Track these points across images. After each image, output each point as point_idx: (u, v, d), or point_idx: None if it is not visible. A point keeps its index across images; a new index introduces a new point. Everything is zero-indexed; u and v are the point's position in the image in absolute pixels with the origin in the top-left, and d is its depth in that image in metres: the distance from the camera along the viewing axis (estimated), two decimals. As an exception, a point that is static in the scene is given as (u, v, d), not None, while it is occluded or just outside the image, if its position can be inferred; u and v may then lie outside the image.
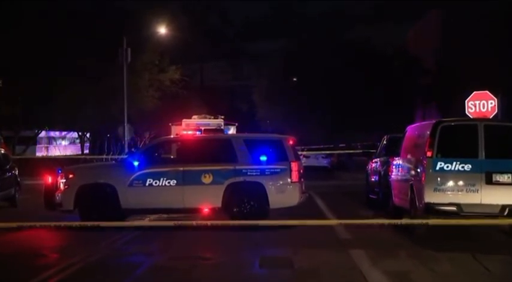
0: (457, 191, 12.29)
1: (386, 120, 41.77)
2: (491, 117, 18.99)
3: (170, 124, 33.71)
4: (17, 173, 20.24)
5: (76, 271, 9.99)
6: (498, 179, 12.20)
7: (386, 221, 9.55)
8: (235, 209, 14.19)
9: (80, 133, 50.71)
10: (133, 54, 33.74)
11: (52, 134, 55.70)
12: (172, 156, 16.31)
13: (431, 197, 12.35)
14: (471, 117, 18.92)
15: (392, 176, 15.63)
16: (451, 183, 12.31)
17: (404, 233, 12.73)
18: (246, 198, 14.28)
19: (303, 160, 25.49)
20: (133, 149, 32.31)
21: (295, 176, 14.32)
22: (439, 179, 12.35)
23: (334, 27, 58.53)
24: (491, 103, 19.91)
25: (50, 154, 52.28)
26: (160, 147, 16.14)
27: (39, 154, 49.62)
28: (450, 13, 49.00)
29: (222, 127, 31.97)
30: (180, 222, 10.48)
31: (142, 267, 10.36)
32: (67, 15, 35.86)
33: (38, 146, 51.50)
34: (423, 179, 12.52)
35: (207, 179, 14.28)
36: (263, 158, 14.29)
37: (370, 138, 43.70)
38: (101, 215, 13.52)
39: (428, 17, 54.54)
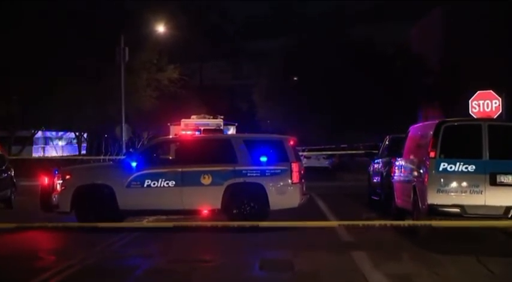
0: (460, 192, 12.16)
1: (387, 120, 41.68)
2: (495, 117, 18.80)
3: (169, 124, 33.65)
4: (13, 174, 20.06)
5: (73, 274, 9.87)
6: (502, 180, 12.07)
7: (388, 222, 9.37)
8: (235, 211, 14.04)
9: (77, 133, 50.57)
10: (131, 53, 33.66)
11: (49, 134, 55.61)
12: (171, 157, 16.20)
13: (434, 198, 12.22)
14: (475, 117, 18.78)
15: (395, 177, 15.52)
16: (454, 184, 12.19)
17: (407, 235, 12.59)
18: (246, 200, 14.13)
19: (304, 161, 25.36)
20: (131, 150, 32.17)
21: (296, 177, 14.17)
22: (442, 180, 12.23)
23: (334, 27, 58.33)
24: (496, 103, 19.74)
25: (46, 154, 52.13)
26: (159, 148, 16.03)
27: (35, 155, 49.47)
28: (451, 12, 49.03)
29: (222, 127, 31.94)
30: (179, 223, 10.28)
31: (141, 269, 10.23)
32: (67, 15, 35.88)
33: (34, 146, 51.36)
34: (426, 180, 12.40)
35: (206, 180, 14.13)
36: (263, 159, 14.15)
37: (371, 139, 43.57)
38: (99, 216, 13.37)
39: (430, 16, 54.55)
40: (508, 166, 12.13)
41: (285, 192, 14.15)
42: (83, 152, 50.39)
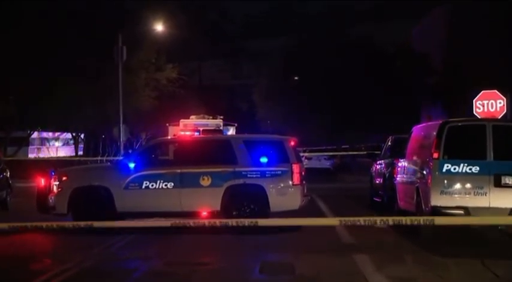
0: (464, 193, 12.03)
1: (387, 121, 41.58)
2: (500, 117, 18.62)
3: (167, 124, 33.49)
4: (8, 175, 19.94)
5: (71, 276, 9.78)
6: (507, 182, 11.93)
7: (390, 218, 9.20)
8: (234, 213, 13.83)
9: (73, 134, 50.38)
10: (129, 52, 33.55)
11: (45, 134, 55.53)
12: (169, 158, 15.98)
13: (437, 200, 12.09)
14: (479, 117, 18.56)
15: (398, 179, 15.40)
16: (458, 185, 12.06)
17: (409, 238, 12.48)
18: (245, 201, 13.93)
19: (305, 162, 25.23)
20: (129, 151, 31.98)
21: (296, 178, 13.99)
22: (445, 181, 12.09)
23: (334, 27, 58.26)
24: (500, 103, 19.54)
25: (42, 155, 51.95)
26: (157, 149, 15.85)
27: (31, 155, 49.40)
28: (453, 12, 48.97)
29: (221, 127, 31.74)
30: (177, 221, 10.10)
31: (139, 272, 10.13)
32: (67, 15, 35.89)
33: (30, 147, 51.35)
34: (429, 181, 12.27)
35: (206, 181, 13.96)
36: (263, 160, 13.96)
37: (371, 139, 43.47)
38: (96, 218, 13.05)
39: (431, 15, 54.45)
40: None
41: (285, 193, 13.98)
42: (80, 153, 50.21)
